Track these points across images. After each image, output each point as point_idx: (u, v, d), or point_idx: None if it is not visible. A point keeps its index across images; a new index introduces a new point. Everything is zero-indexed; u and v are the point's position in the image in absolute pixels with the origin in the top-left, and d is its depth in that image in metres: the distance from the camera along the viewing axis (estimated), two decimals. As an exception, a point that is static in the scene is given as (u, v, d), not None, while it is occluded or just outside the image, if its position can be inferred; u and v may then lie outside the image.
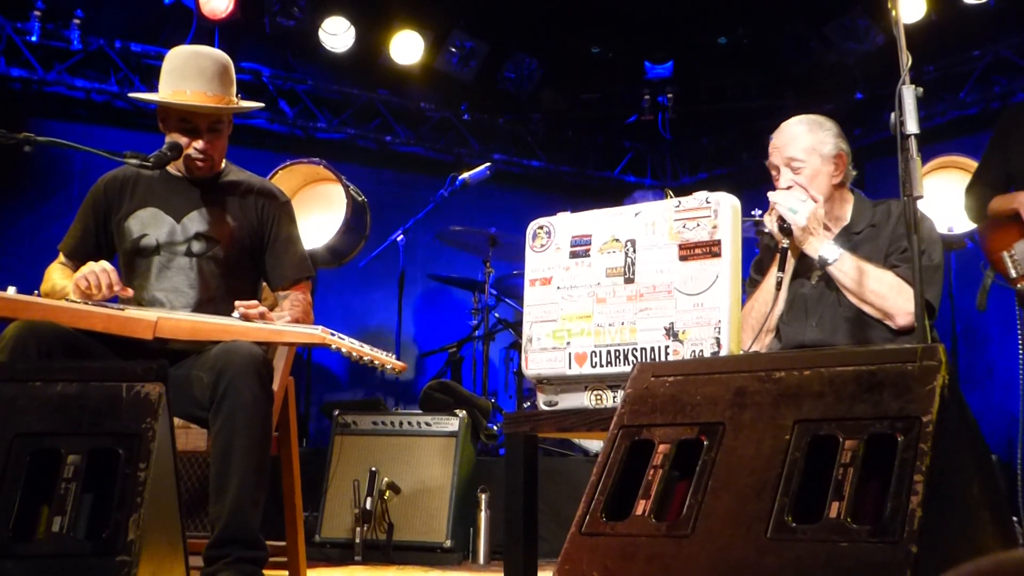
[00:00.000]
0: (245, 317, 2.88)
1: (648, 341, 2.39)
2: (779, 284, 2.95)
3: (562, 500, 4.42)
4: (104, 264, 2.94)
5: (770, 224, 3.01)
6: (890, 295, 2.90)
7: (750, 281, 3.24)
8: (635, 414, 1.95)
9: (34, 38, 6.04)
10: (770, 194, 3.03)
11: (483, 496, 4.43)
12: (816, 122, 3.12)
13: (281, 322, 3.00)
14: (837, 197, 3.12)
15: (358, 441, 4.53)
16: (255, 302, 2.95)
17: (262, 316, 2.90)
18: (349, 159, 6.75)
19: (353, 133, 7.13)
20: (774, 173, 3.12)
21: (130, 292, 2.97)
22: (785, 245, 2.96)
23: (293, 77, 6.92)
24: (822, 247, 2.95)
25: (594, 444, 5.13)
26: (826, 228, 3.08)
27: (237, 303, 2.92)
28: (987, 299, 4.12)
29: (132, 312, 2.85)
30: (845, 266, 2.94)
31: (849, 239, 3.07)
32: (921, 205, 2.46)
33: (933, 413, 1.62)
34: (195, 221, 3.16)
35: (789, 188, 3.04)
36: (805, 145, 3.06)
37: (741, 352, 2.43)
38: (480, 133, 7.52)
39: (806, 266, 3.08)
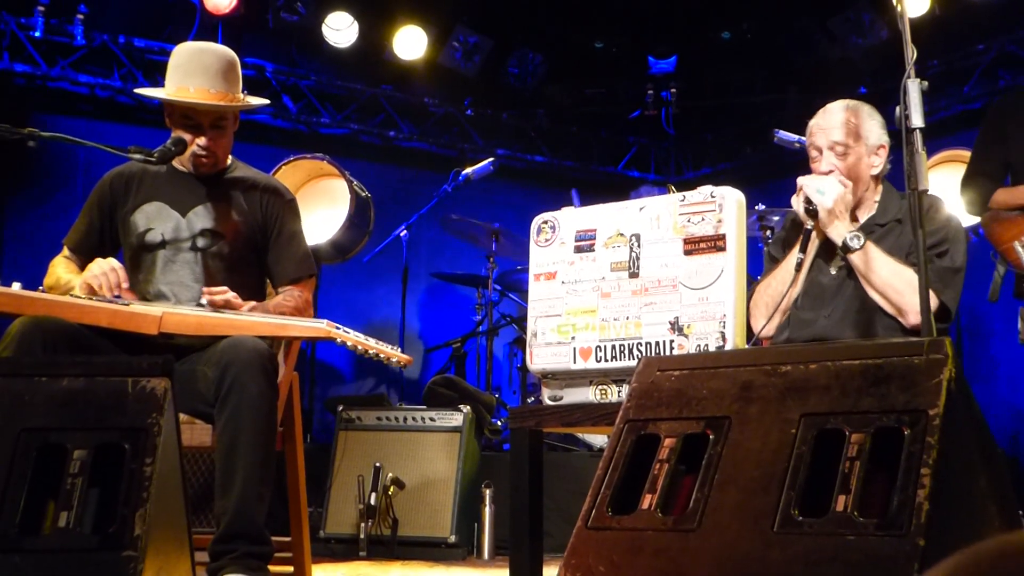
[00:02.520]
0: (211, 304, 2.88)
1: (653, 335, 2.39)
2: (799, 266, 2.90)
3: (566, 495, 4.42)
4: (112, 262, 2.94)
5: (796, 205, 2.95)
6: (907, 292, 2.83)
7: (768, 257, 3.19)
8: (641, 408, 1.95)
9: (38, 33, 6.05)
10: (800, 178, 2.97)
11: (487, 491, 4.43)
12: (864, 109, 3.06)
13: (247, 309, 2.94)
14: (871, 188, 3.07)
15: (362, 436, 4.53)
16: (224, 288, 2.94)
17: (227, 304, 2.89)
18: (352, 154, 6.74)
19: (357, 128, 7.13)
20: (814, 154, 3.05)
21: (133, 295, 2.97)
22: (810, 227, 2.92)
23: (296, 72, 6.92)
24: (847, 232, 2.90)
25: (598, 439, 5.13)
26: (853, 218, 3.03)
27: (204, 289, 2.92)
28: (999, 291, 4.07)
29: (137, 307, 2.85)
30: (867, 255, 2.88)
31: (873, 230, 3.02)
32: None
33: (940, 406, 1.61)
34: (201, 216, 3.16)
35: (829, 172, 2.98)
36: (852, 130, 3.00)
37: (751, 330, 2.41)
38: (484, 128, 7.51)
39: (828, 254, 3.04)
